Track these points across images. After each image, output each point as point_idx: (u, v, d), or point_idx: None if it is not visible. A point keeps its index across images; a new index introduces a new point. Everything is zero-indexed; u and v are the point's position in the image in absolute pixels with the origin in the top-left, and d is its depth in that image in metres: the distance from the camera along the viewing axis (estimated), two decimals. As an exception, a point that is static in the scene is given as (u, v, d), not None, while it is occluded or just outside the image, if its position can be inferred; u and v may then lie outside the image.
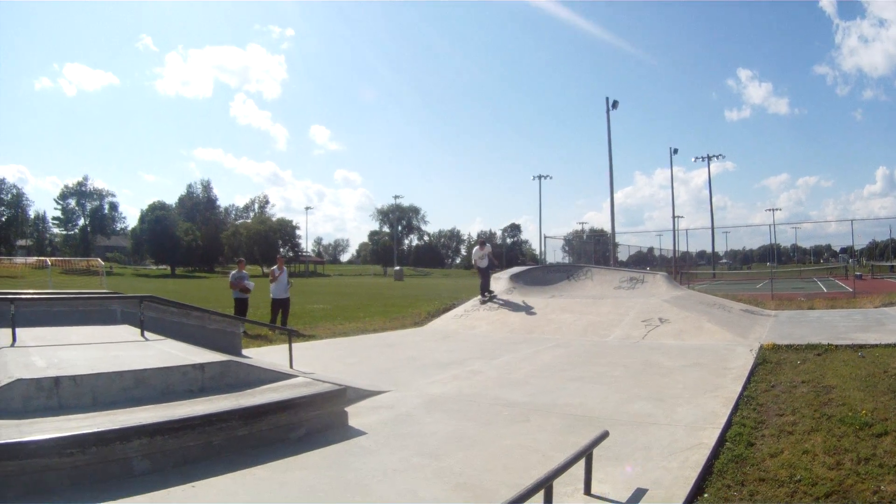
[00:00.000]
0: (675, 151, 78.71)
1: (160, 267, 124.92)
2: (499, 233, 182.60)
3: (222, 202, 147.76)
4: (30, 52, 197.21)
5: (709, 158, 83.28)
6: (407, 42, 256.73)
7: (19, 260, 68.12)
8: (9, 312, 9.32)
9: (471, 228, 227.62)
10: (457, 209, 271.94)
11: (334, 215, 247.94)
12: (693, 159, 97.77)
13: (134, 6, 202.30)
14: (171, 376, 7.50)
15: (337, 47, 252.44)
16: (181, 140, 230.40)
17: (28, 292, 12.02)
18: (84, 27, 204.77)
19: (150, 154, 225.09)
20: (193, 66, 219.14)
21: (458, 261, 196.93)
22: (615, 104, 51.16)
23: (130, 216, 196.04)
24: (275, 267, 20.36)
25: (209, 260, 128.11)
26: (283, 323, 18.75)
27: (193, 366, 7.80)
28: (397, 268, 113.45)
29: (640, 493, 5.65)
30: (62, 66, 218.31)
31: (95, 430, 5.87)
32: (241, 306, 18.96)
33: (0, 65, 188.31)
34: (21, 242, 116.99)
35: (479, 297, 22.71)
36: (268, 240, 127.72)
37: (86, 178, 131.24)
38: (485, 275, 23.01)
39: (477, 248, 24.02)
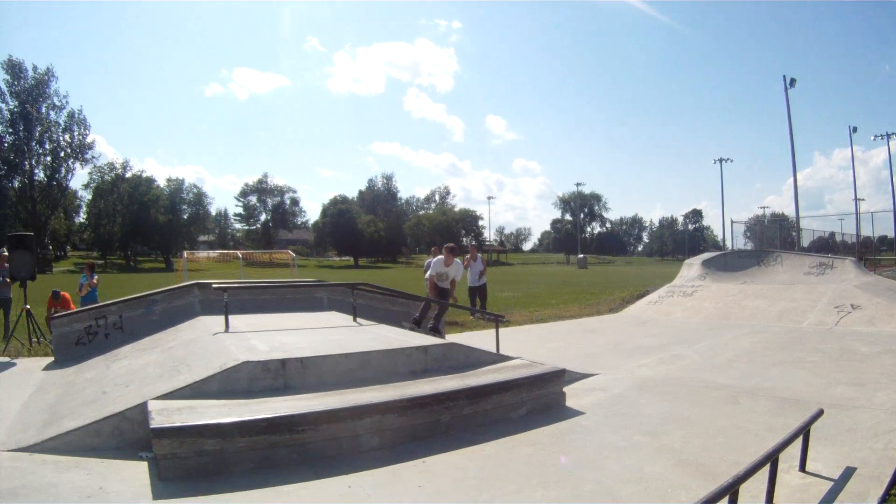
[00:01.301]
0: (855, 130, 73.86)
1: (343, 258, 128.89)
2: (680, 219, 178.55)
3: (403, 194, 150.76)
4: (199, 60, 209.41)
5: (888, 136, 78.02)
6: (577, 27, 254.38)
7: (202, 254, 71.70)
8: (221, 301, 10.13)
9: (652, 215, 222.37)
10: (637, 196, 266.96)
11: (515, 204, 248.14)
12: (872, 137, 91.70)
13: (298, 9, 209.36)
14: (395, 358, 7.99)
15: (505, 36, 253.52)
16: (357, 135, 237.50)
17: (238, 282, 12.85)
18: (249, 33, 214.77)
19: (326, 150, 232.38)
20: (363, 64, 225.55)
21: (639, 248, 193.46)
22: (793, 82, 48.55)
23: (311, 210, 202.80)
24: (468, 255, 20.68)
25: (392, 251, 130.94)
26: (482, 308, 19.02)
27: (417, 348, 8.26)
28: (581, 255, 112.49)
29: (849, 471, 5.75)
30: (231, 71, 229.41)
31: (328, 408, 6.35)
32: (440, 294, 19.29)
33: (173, 74, 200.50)
34: (203, 238, 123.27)
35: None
36: (450, 230, 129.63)
37: (265, 176, 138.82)
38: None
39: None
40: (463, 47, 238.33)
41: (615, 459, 6.20)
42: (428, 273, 15.44)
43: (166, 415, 6.07)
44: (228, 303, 9.76)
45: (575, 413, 7.89)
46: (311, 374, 7.34)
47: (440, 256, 13.86)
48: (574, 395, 8.59)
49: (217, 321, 9.95)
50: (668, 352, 12.49)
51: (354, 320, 10.83)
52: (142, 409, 6.56)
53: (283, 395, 6.93)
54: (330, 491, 5.50)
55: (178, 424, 5.83)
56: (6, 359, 12.20)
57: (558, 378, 8.29)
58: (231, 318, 9.72)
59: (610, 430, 7.19)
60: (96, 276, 17.09)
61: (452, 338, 12.92)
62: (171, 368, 7.90)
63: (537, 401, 7.90)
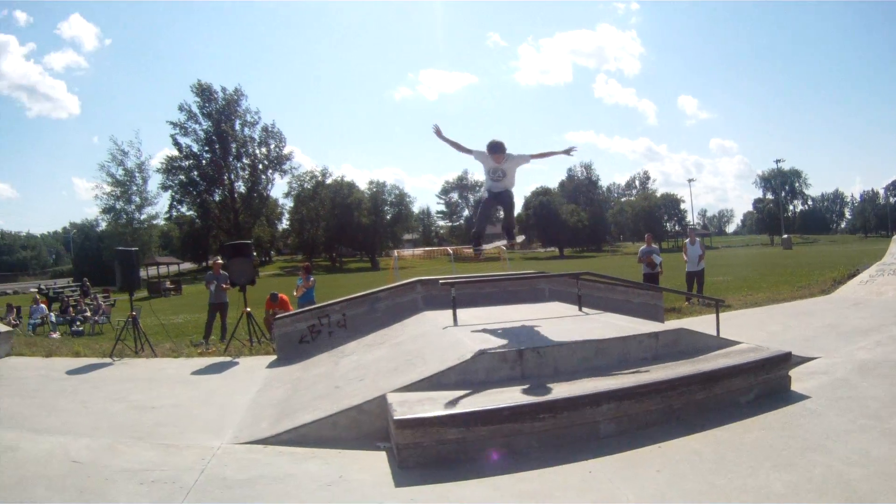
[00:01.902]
0: None
1: (548, 249, 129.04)
2: (881, 192, 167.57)
3: (603, 182, 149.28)
4: (384, 66, 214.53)
5: None
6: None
7: (407, 252, 73.48)
8: (442, 296, 10.23)
9: (852, 189, 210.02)
10: (835, 169, 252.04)
11: (714, 186, 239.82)
12: None
13: (477, 8, 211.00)
14: (628, 345, 7.94)
15: (686, 12, 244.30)
16: (550, 126, 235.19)
17: (460, 277, 12.99)
18: (430, 36, 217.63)
19: (521, 143, 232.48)
20: (548, 55, 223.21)
21: (842, 225, 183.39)
22: None
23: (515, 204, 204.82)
24: (687, 241, 20.20)
25: (595, 239, 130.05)
26: (699, 293, 18.58)
27: (648, 335, 8.18)
28: (785, 236, 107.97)
29: None
30: (417, 74, 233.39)
31: (568, 395, 6.40)
32: (651, 281, 19.00)
33: (361, 82, 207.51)
34: (408, 236, 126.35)
35: None
36: (653, 215, 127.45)
37: (465, 173, 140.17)
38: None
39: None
40: (644, 28, 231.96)
41: (842, 443, 6.07)
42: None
43: (408, 406, 6.28)
44: (455, 297, 9.93)
45: (800, 397, 7.69)
46: (547, 364, 7.41)
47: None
48: (797, 379, 8.37)
49: (442, 315, 10.19)
50: (885, 333, 11.75)
51: (580, 309, 10.80)
52: (380, 401, 6.83)
53: (520, 384, 6.98)
54: (571, 476, 5.57)
55: (421, 415, 6.03)
56: (228, 358, 12.94)
57: (784, 362, 8.08)
58: (460, 311, 9.90)
59: (835, 414, 7.01)
60: (312, 278, 17.70)
61: (672, 324, 12.69)
62: (404, 362, 8.15)
63: (765, 385, 7.74)
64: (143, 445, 7.10)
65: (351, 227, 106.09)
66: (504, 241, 16.52)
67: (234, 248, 15.16)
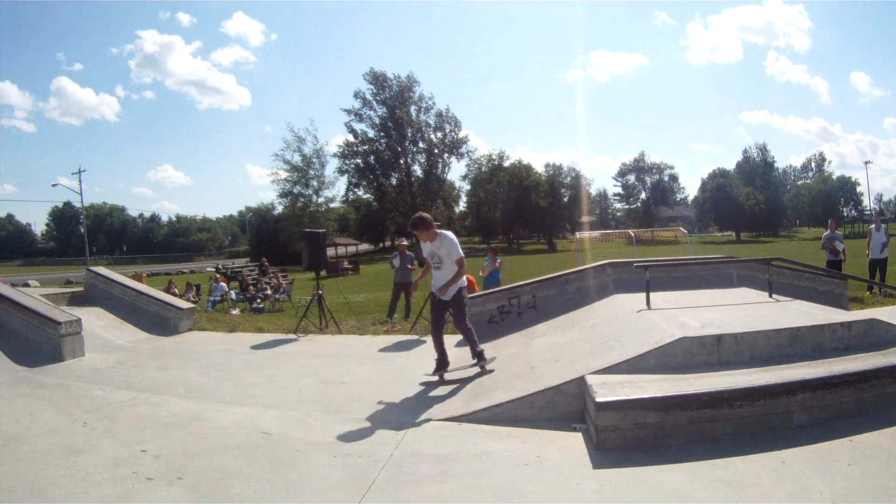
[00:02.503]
0: None
1: (724, 233, 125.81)
2: None
3: (779, 163, 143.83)
4: (554, 49, 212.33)
5: None
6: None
7: (585, 234, 72.95)
8: (631, 279, 10.16)
9: None
10: None
11: (891, 168, 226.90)
12: None
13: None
14: (821, 334, 7.68)
15: None
16: (724, 106, 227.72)
17: (651, 260, 12.88)
18: (598, 15, 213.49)
19: (695, 124, 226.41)
20: (717, 32, 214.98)
21: None
22: None
23: (689, 186, 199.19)
24: (872, 226, 19.28)
25: (772, 223, 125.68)
26: (881, 282, 17.65)
27: (841, 324, 7.87)
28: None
29: None
30: (587, 55, 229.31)
31: (765, 383, 6.28)
32: (834, 268, 18.18)
33: (531, 66, 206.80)
34: (584, 219, 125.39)
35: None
36: (829, 199, 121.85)
37: (642, 154, 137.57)
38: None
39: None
40: (811, 0, 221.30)
41: None
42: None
43: (608, 388, 6.31)
44: (649, 280, 9.87)
45: None
46: (744, 350, 7.30)
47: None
48: None
49: (633, 299, 10.14)
50: None
51: (770, 296, 10.46)
52: (578, 383, 6.89)
53: (716, 370, 6.95)
54: (764, 465, 5.50)
55: (622, 398, 6.06)
56: (414, 337, 13.26)
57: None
58: (652, 295, 9.84)
59: None
60: (499, 259, 17.81)
61: (863, 314, 12.19)
62: (600, 344, 8.18)
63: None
64: (335, 419, 7.40)
65: (528, 210, 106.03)
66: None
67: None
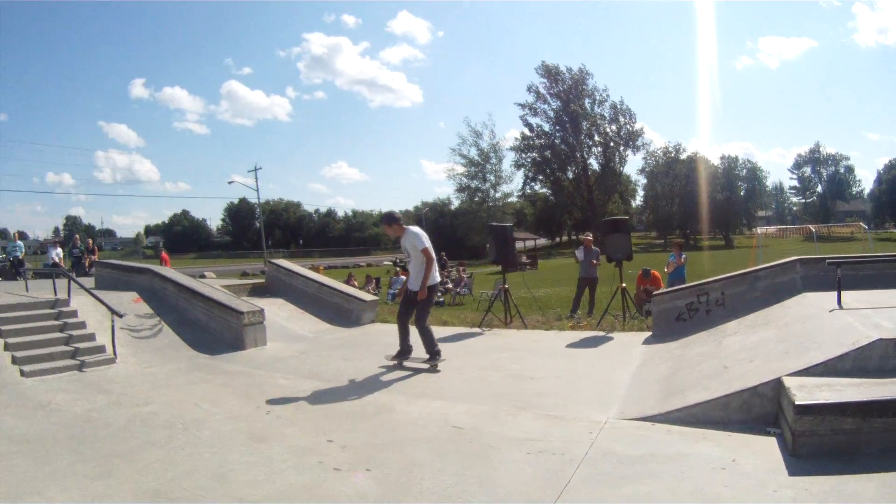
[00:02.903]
0: None
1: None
2: None
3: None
4: (722, 35, 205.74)
5: None
6: None
7: (761, 230, 70.85)
8: (818, 276, 9.86)
9: None
10: None
11: None
12: None
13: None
14: None
15: None
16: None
17: (845, 256, 12.40)
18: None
19: (868, 111, 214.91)
20: (885, 12, 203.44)
21: None
22: None
23: (865, 179, 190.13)
24: None
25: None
26: None
27: None
28: None
29: None
30: (756, 42, 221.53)
31: None
32: None
33: (699, 54, 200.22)
34: (761, 213, 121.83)
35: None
36: None
37: (817, 145, 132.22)
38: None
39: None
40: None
41: None
42: None
43: (807, 391, 6.07)
44: (840, 278, 9.41)
45: None
46: None
47: None
48: None
49: (823, 297, 9.75)
50: None
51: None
52: (774, 384, 6.66)
53: None
54: None
55: (823, 401, 5.80)
56: (601, 333, 13.13)
57: None
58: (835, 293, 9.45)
59: None
60: (684, 255, 17.64)
61: None
62: (795, 345, 7.87)
63: None
64: (527, 415, 7.38)
65: (705, 204, 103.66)
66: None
67: (612, 223, 15.38)
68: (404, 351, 10.51)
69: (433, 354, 10.17)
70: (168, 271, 15.07)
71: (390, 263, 64.33)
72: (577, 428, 6.82)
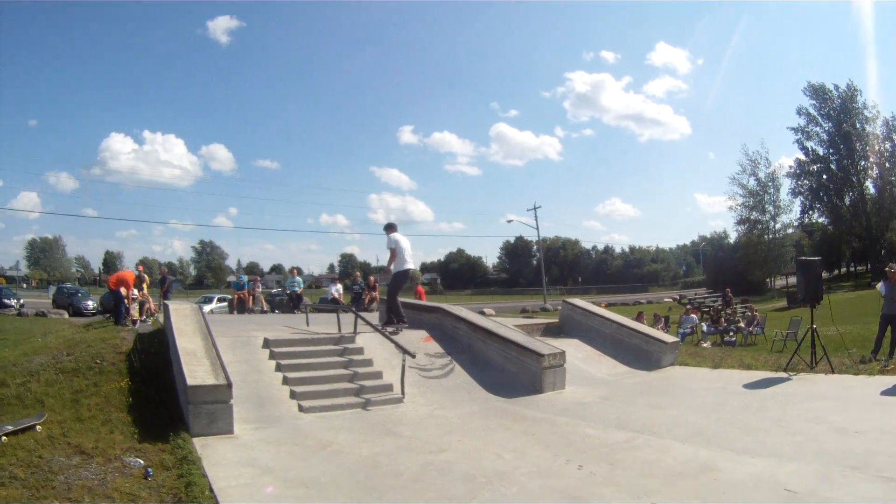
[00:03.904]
0: None
1: None
2: None
3: None
4: None
5: None
6: None
7: None
8: None
9: None
10: None
11: None
12: None
13: None
14: None
15: None
16: None
17: None
18: None
19: None
20: None
21: None
22: None
23: None
24: None
25: None
26: None
27: None
28: None
29: None
30: None
31: None
32: None
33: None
34: None
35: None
36: None
37: None
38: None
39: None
40: None
41: None
42: None
43: None
44: None
45: None
46: None
47: None
48: None
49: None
50: None
51: None
52: None
53: None
54: None
55: None
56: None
57: None
58: None
59: None
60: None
61: None
62: None
63: None
64: (861, 476, 6.69)
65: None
66: None
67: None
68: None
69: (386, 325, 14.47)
70: (461, 310, 15.17)
71: (671, 300, 62.76)
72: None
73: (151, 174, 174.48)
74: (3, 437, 8.11)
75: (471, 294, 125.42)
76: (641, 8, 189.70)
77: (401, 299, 14.85)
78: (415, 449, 8.29)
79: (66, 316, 37.54)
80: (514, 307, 62.70)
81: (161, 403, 9.96)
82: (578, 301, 18.01)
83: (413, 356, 11.57)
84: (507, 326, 14.10)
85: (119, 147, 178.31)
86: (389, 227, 15.06)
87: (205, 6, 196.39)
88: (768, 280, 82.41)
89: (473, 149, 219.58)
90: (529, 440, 8.64)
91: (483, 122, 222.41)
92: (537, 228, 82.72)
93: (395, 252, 14.49)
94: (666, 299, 73.40)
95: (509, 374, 12.35)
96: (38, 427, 8.61)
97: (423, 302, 17.00)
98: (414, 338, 13.49)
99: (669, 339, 15.59)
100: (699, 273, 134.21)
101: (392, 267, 14.56)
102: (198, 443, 8.37)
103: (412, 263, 15.50)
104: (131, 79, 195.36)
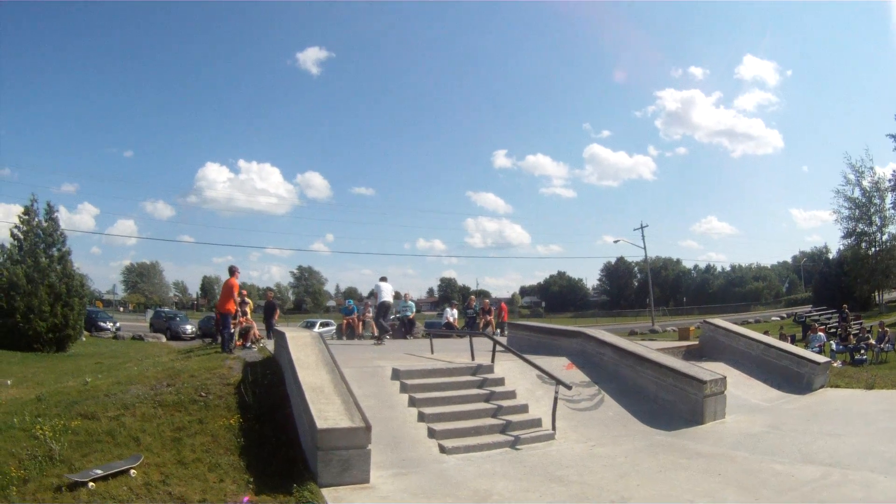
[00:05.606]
0: None
1: None
2: None
3: None
4: None
5: None
6: None
7: None
8: None
9: None
10: None
11: None
12: None
13: None
14: None
15: None
16: None
17: None
18: None
19: None
20: None
21: None
22: None
23: None
24: None
25: None
26: None
27: None
28: None
29: None
30: None
31: None
32: None
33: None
34: None
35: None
36: None
37: None
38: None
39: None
40: None
41: None
42: None
43: None
44: None
45: None
46: None
47: None
48: None
49: None
50: None
51: None
52: None
53: None
54: None
55: None
56: None
57: None
58: None
59: None
60: None
61: None
62: None
63: None
64: None
65: None
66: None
67: None
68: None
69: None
70: (605, 335, 14.66)
71: (780, 319, 61.00)
72: None
73: (247, 202, 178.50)
74: (91, 483, 7.64)
75: (572, 317, 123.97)
76: (726, 21, 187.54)
77: (535, 323, 14.91)
78: (591, 498, 7.61)
79: (164, 340, 38.67)
80: (621, 329, 61.24)
81: (279, 445, 9.30)
82: (720, 321, 17.43)
83: (569, 388, 11.02)
84: (654, 351, 13.49)
85: (215, 176, 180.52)
86: (381, 279, 22.86)
87: (293, 39, 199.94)
88: (875, 294, 79.75)
89: (568, 171, 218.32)
90: (718, 481, 8.02)
91: (576, 144, 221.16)
92: (644, 248, 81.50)
93: (376, 293, 22.76)
94: (774, 318, 71.63)
95: (664, 403, 11.74)
96: (132, 471, 8.10)
97: (562, 327, 16.56)
98: (555, 365, 12.88)
99: (821, 359, 14.94)
100: (801, 290, 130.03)
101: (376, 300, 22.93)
102: (328, 495, 7.75)
103: (389, 297, 22.80)
104: (225, 110, 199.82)
